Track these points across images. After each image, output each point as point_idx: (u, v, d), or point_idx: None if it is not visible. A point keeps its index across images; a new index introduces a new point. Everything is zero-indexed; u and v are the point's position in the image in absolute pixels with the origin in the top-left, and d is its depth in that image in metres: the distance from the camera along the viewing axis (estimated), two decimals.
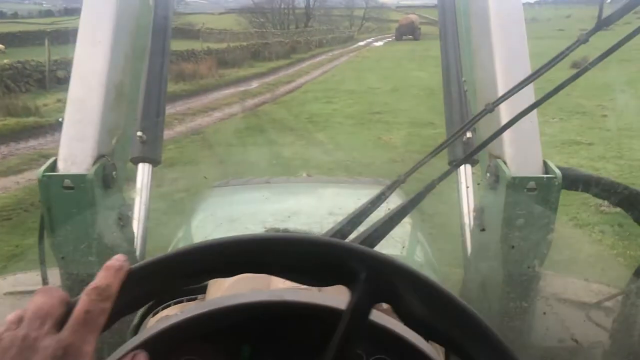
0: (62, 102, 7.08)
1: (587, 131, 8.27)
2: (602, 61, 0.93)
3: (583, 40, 0.93)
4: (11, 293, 1.50)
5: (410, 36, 41.31)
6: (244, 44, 24.91)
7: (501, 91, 1.18)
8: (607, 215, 4.73)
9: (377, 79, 15.78)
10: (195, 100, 12.49)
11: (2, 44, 24.92)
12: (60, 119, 1.22)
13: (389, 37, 46.07)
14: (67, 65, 13.90)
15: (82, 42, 1.25)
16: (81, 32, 1.25)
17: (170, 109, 10.55)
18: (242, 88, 15.03)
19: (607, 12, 0.90)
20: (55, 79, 13.36)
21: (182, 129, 9.43)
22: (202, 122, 10.20)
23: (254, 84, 15.90)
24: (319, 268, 0.52)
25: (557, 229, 1.18)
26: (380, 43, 40.90)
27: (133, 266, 0.52)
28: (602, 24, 0.91)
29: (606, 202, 1.31)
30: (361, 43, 40.99)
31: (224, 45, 22.94)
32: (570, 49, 0.93)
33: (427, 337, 0.59)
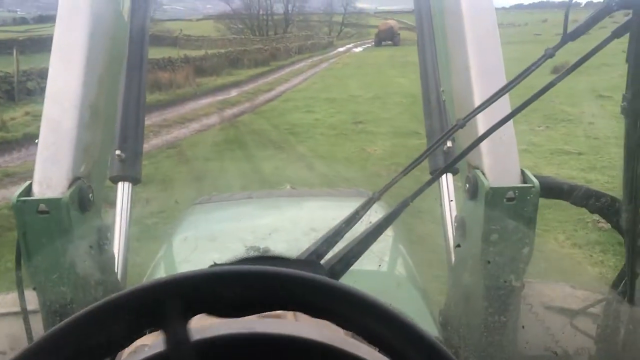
0: (31, 115, 6.66)
1: (574, 140, 8.09)
2: (583, 66, 0.96)
3: (549, 54, 0.97)
4: None
5: (390, 42, 41.38)
6: (222, 51, 24.49)
7: (477, 101, 1.19)
8: (606, 233, 4.50)
9: (358, 86, 15.54)
10: (172, 111, 12.08)
11: None
12: (36, 141, 1.18)
13: (368, 43, 46.12)
14: (37, 75, 13.37)
15: (55, 61, 1.21)
16: (54, 52, 1.21)
17: (145, 121, 10.08)
18: (220, 97, 14.65)
19: (579, 16, 0.95)
20: (25, 90, 12.83)
21: (157, 142, 9.04)
22: (178, 135, 9.80)
23: (233, 93, 15.53)
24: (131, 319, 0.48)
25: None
26: (359, 49, 40.85)
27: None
28: (568, 37, 0.96)
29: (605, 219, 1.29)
30: (341, 49, 40.89)
31: (201, 52, 22.50)
32: (537, 64, 0.97)
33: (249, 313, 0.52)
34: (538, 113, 9.88)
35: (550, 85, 0.97)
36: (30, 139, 8.83)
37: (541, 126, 9.04)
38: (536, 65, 0.98)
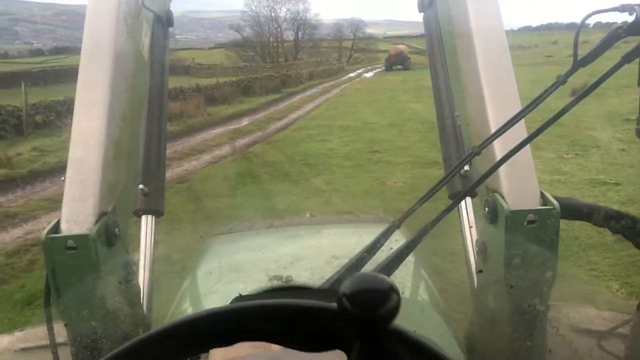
0: (38, 150, 6.25)
1: (609, 168, 7.59)
2: (601, 88, 1.00)
3: (561, 81, 1.01)
4: (23, 349, 1.46)
5: (400, 66, 41.26)
6: (234, 79, 24.39)
7: (492, 126, 1.20)
8: None
9: (372, 113, 15.18)
10: (182, 142, 11.78)
11: None
12: (62, 179, 1.21)
13: (378, 68, 46.08)
14: (46, 109, 13.21)
15: (79, 102, 1.26)
16: (78, 93, 1.26)
17: None
18: (231, 126, 14.35)
19: (589, 37, 1.02)
20: (33, 123, 12.63)
21: (167, 176, 8.68)
22: (189, 167, 9.46)
23: (244, 122, 15.24)
24: (310, 333, 0.50)
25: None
26: (370, 74, 40.75)
27: (131, 342, 0.49)
28: (578, 64, 1.00)
29: None
30: (352, 74, 40.83)
31: (213, 81, 22.38)
32: (548, 92, 1.02)
33: None
34: (565, 139, 9.43)
35: (564, 110, 0.97)
36: (35, 176, 8.53)
37: (570, 153, 8.56)
38: (548, 92, 0.99)
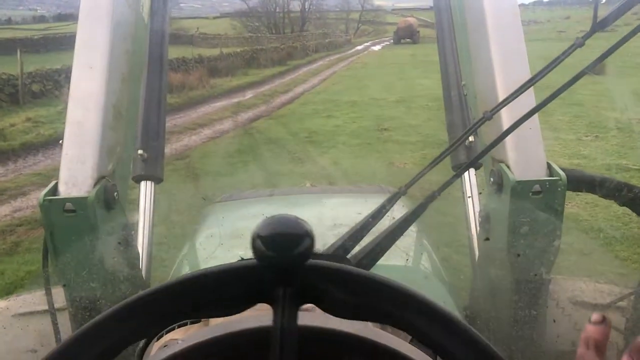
0: (32, 121, 5.82)
1: (630, 152, 7.15)
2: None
3: (579, 43, 0.95)
4: (21, 314, 1.40)
5: (409, 39, 40.33)
6: (238, 50, 23.75)
7: (501, 95, 1.20)
8: None
9: (380, 88, 14.68)
10: (183, 116, 11.36)
11: None
12: (60, 142, 1.21)
13: (386, 41, 45.13)
14: (44, 77, 12.76)
15: (77, 65, 1.25)
16: (77, 55, 1.26)
17: None
18: (235, 99, 13.90)
19: (602, 13, 0.93)
20: (30, 93, 12.21)
21: (165, 151, 8.30)
22: (189, 143, 9.07)
23: (248, 95, 14.77)
24: (236, 295, 0.50)
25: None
26: (378, 47, 39.89)
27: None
28: (598, 26, 0.94)
29: None
30: (359, 47, 39.98)
31: (216, 51, 21.77)
32: (566, 53, 0.96)
33: (357, 318, 0.52)
34: (583, 120, 8.99)
35: (577, 77, 0.95)
36: (28, 149, 8.17)
37: (589, 135, 8.12)
38: (565, 54, 0.96)
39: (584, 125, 8.64)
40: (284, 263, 0.45)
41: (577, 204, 5.16)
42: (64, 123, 1.22)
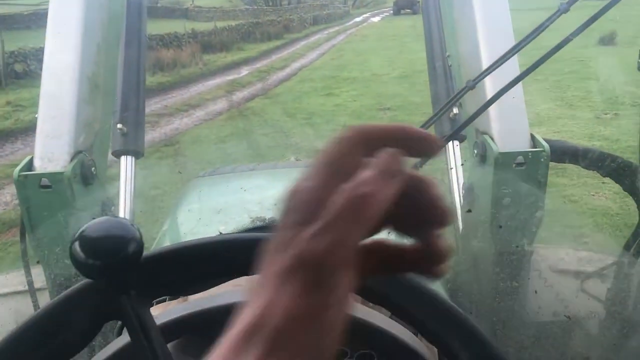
0: (12, 105, 4.58)
1: None
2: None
3: (564, 9, 0.97)
4: (1, 295, 1.43)
5: (409, 10, 39.18)
6: (233, 24, 22.89)
7: (485, 65, 1.16)
8: None
9: (381, 63, 14.02)
10: (174, 96, 10.74)
11: None
12: (35, 115, 1.18)
13: (386, 12, 43.98)
14: (27, 57, 12.09)
15: (51, 35, 1.22)
16: (50, 26, 1.23)
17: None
18: (230, 77, 13.24)
19: None
20: (13, 73, 11.58)
21: (154, 136, 7.76)
22: (179, 126, 8.50)
23: (243, 72, 14.10)
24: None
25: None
26: (377, 18, 38.84)
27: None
28: None
29: None
30: (357, 19, 38.92)
31: (211, 25, 20.95)
32: (551, 19, 0.97)
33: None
34: (599, 96, 8.41)
35: (561, 44, 0.93)
36: (5, 137, 7.61)
37: (608, 113, 7.56)
38: (550, 20, 0.95)
39: (601, 101, 8.07)
40: (112, 273, 0.43)
41: (605, 194, 4.66)
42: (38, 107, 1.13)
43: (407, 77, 11.93)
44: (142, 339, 0.45)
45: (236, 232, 0.72)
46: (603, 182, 5.07)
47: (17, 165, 5.13)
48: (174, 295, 0.51)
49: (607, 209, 4.43)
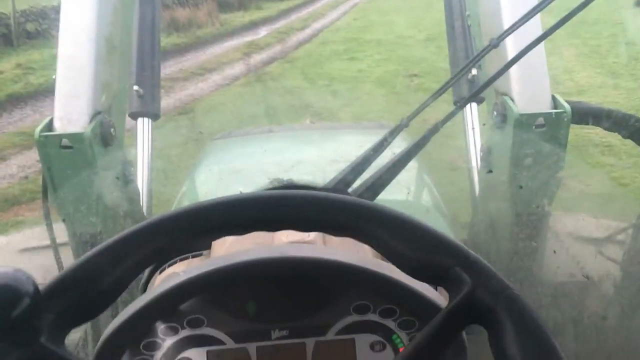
0: (22, 67, 3.85)
1: None
2: None
3: None
4: (24, 250, 1.48)
5: None
6: None
7: (506, 25, 1.16)
8: None
9: (407, 24, 13.30)
10: (190, 59, 10.30)
11: None
12: (53, 77, 1.19)
13: None
14: (39, 15, 11.68)
15: None
16: None
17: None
18: (247, 38, 12.70)
19: None
20: (24, 33, 11.20)
21: (168, 102, 7.38)
22: (194, 92, 8.10)
23: (262, 32, 13.52)
24: (418, 260, 0.49)
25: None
26: None
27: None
28: None
29: None
30: None
31: None
32: None
33: None
34: None
35: (587, 2, 0.89)
36: (14, 101, 7.30)
37: None
38: None
39: None
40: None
41: None
42: (56, 68, 1.17)
43: (434, 39, 11.24)
44: None
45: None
46: None
47: (24, 132, 4.86)
48: (92, 318, 0.46)
49: None
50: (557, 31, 0.97)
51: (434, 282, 0.52)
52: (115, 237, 0.48)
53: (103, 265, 0.46)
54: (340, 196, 0.50)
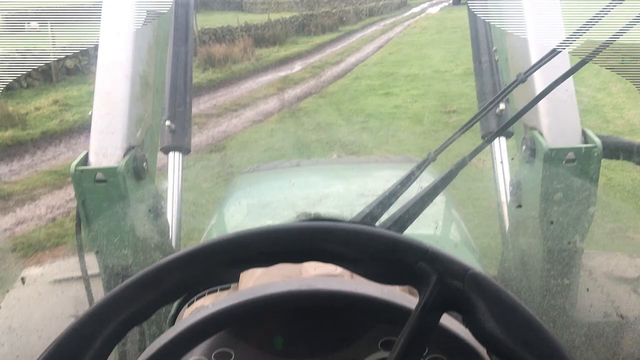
0: (60, 104, 4.02)
1: None
2: None
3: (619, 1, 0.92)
4: (57, 281, 1.49)
5: None
6: (287, 16, 22.37)
7: (534, 59, 1.17)
8: None
9: (442, 58, 13.07)
10: (224, 94, 10.29)
11: None
12: (90, 113, 1.21)
13: (444, 1, 42.42)
14: (78, 52, 11.94)
15: (104, 34, 1.25)
16: (103, 25, 1.25)
17: (193, 108, 8.25)
18: (282, 73, 12.68)
19: None
20: (64, 69, 11.43)
21: (200, 139, 7.28)
22: (227, 128, 8.00)
23: (297, 67, 13.51)
24: (385, 264, 0.50)
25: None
26: (436, 9, 37.40)
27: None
28: None
29: None
30: (415, 9, 37.66)
31: (264, 18, 20.50)
32: (605, 10, 0.93)
33: (496, 354, 0.49)
34: None
35: (617, 35, 0.90)
36: (49, 139, 7.31)
37: None
38: (605, 10, 0.93)
39: None
40: None
41: None
42: (92, 105, 1.20)
43: (472, 74, 10.96)
44: None
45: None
46: None
47: (55, 171, 4.76)
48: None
49: None
50: (604, 66, 0.95)
51: (403, 283, 0.52)
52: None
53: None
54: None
